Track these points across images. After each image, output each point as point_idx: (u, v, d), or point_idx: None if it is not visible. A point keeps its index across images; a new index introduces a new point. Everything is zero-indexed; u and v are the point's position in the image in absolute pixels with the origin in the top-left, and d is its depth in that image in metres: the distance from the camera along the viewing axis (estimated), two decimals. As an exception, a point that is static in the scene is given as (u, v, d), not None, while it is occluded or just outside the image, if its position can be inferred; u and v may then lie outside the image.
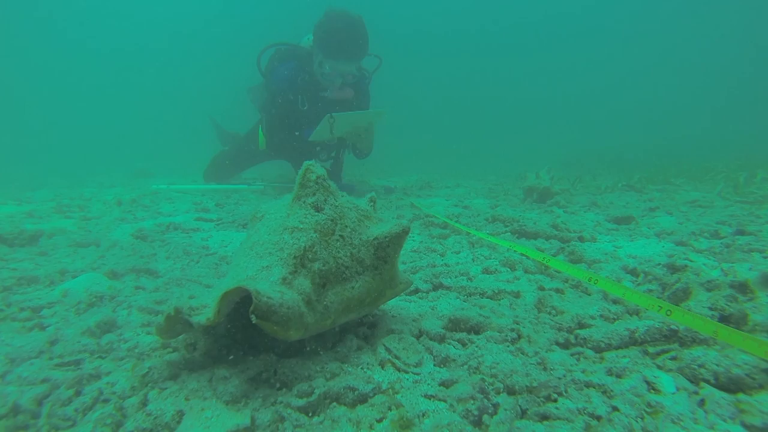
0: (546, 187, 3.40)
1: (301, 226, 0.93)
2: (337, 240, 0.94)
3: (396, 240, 0.97)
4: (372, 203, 1.08)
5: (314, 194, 0.98)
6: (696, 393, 0.79)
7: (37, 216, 2.88)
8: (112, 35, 28.30)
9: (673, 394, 0.78)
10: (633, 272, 1.60)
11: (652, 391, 0.80)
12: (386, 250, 0.97)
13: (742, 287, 1.29)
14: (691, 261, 1.68)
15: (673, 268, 1.55)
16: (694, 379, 0.83)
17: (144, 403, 0.76)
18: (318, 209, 0.97)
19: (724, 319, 1.12)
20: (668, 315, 1.00)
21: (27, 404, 0.72)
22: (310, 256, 0.89)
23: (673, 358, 0.91)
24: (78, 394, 0.77)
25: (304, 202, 0.98)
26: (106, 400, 0.76)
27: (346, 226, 0.97)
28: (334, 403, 0.80)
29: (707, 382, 0.81)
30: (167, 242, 2.13)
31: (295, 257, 0.88)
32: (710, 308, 1.16)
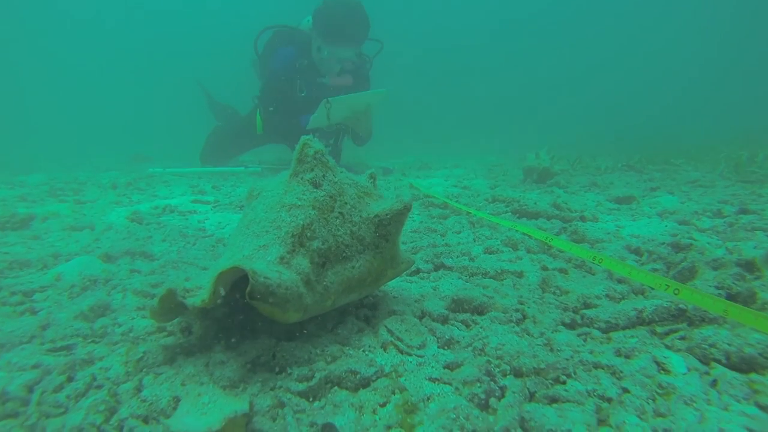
0: (545, 167, 3.35)
1: (299, 203, 0.90)
2: (337, 217, 0.91)
3: (397, 217, 0.94)
4: (372, 180, 1.04)
5: (312, 170, 0.94)
6: (707, 373, 0.76)
7: (30, 200, 2.83)
8: (108, 14, 27.65)
9: (684, 374, 0.76)
10: (637, 251, 1.57)
11: (662, 371, 0.78)
12: (387, 227, 0.94)
13: (749, 266, 1.27)
14: (694, 240, 1.66)
15: (677, 247, 1.53)
16: (705, 359, 0.80)
17: (139, 389, 0.73)
18: (316, 185, 0.93)
19: (732, 298, 1.10)
20: (676, 294, 0.98)
21: (16, 391, 0.69)
22: (308, 234, 0.86)
23: (682, 338, 0.89)
24: (70, 379, 0.74)
25: (301, 178, 0.94)
26: (99, 386, 0.73)
27: (346, 203, 0.93)
28: (336, 388, 0.77)
29: (718, 362, 0.78)
30: (163, 225, 2.09)
31: (293, 235, 0.84)
32: (717, 287, 1.13)
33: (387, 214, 0.91)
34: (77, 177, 4.19)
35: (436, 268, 1.43)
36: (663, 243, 1.58)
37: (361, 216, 0.92)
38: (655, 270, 1.37)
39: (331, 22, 3.84)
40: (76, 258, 1.47)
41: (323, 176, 0.92)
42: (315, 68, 4.10)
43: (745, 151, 4.73)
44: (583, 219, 2.08)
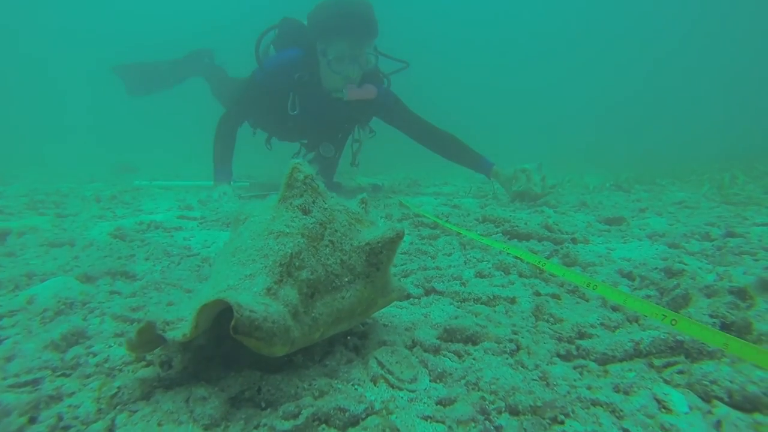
0: (536, 193, 3.32)
1: (288, 231, 0.86)
2: (327, 246, 0.87)
3: (389, 245, 0.91)
4: (363, 205, 1.02)
5: (301, 195, 0.91)
6: (710, 412, 0.74)
7: (8, 212, 2.73)
8: (92, 14, 27.38)
9: (686, 414, 0.73)
10: (629, 276, 1.56)
11: (663, 410, 0.75)
12: (379, 256, 0.91)
13: (742, 293, 1.26)
14: (685, 264, 1.65)
15: (669, 273, 1.52)
16: (706, 397, 0.78)
17: (111, 430, 0.68)
18: (306, 212, 0.90)
19: (726, 327, 1.08)
20: (673, 324, 0.96)
21: (-29, 436, 0.64)
22: (297, 263, 0.82)
23: (681, 372, 0.87)
24: (32, 421, 0.68)
25: (290, 203, 0.90)
26: (66, 428, 0.68)
27: (336, 231, 0.90)
28: (324, 426, 0.73)
29: (720, 400, 0.76)
30: (147, 242, 2.03)
31: (280, 265, 0.81)
32: (711, 315, 1.12)
33: (379, 243, 0.88)
34: (59, 188, 4.09)
35: (427, 293, 1.40)
36: (655, 268, 1.58)
37: (351, 244, 0.88)
38: (648, 296, 1.36)
39: (335, 12, 3.09)
40: (52, 278, 1.40)
41: (313, 202, 0.89)
42: (317, 81, 3.39)
43: (727, 172, 4.84)
44: (574, 241, 2.07)
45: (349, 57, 3.17)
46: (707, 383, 0.79)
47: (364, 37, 3.18)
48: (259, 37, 3.42)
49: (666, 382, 0.85)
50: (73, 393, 0.77)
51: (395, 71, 3.64)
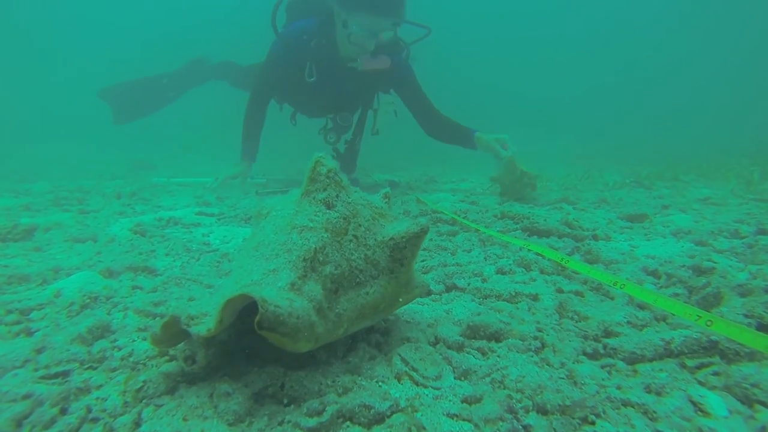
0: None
1: (311, 225, 0.85)
2: (351, 240, 0.86)
3: (414, 241, 0.89)
4: (386, 200, 1.00)
5: (325, 189, 0.90)
6: (752, 417, 0.71)
7: (34, 209, 2.80)
8: (107, 12, 27.70)
9: (726, 418, 0.70)
10: (654, 274, 1.52)
11: (700, 413, 0.73)
12: (403, 251, 0.89)
13: (777, 292, 1.21)
14: (714, 262, 1.60)
15: (698, 270, 1.47)
16: (747, 401, 0.75)
17: (137, 423, 0.68)
18: (329, 206, 0.89)
19: (763, 328, 1.04)
20: (708, 326, 0.92)
21: (4, 426, 0.65)
22: (321, 258, 0.81)
23: (716, 374, 0.84)
24: (63, 412, 0.69)
25: (313, 198, 0.90)
26: (94, 420, 0.68)
27: (360, 225, 0.89)
28: (348, 423, 0.72)
29: (763, 405, 0.73)
30: (167, 238, 2.05)
31: (304, 260, 0.80)
32: (746, 315, 1.08)
33: (403, 238, 0.87)
34: (82, 185, 4.17)
35: (448, 290, 1.38)
36: (682, 266, 1.53)
37: (375, 239, 0.87)
38: (676, 294, 1.31)
39: None
40: (77, 273, 1.42)
41: (337, 196, 0.88)
42: (334, 49, 3.37)
43: (756, 167, 4.68)
44: (595, 238, 2.03)
45: (369, 31, 3.14)
46: (747, 386, 0.75)
47: (385, 15, 3.13)
48: (274, 8, 3.43)
49: (701, 383, 0.82)
50: (100, 386, 0.78)
51: (416, 40, 3.50)
